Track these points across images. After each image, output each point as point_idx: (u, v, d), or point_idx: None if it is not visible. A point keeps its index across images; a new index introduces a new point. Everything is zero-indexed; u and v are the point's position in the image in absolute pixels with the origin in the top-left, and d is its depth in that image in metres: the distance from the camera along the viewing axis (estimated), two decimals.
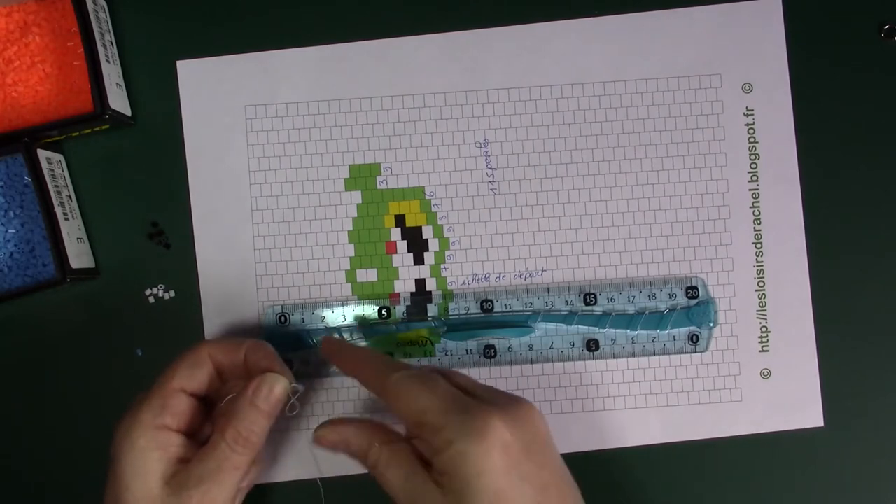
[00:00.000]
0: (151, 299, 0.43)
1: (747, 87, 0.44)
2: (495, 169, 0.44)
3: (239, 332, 0.43)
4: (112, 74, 0.42)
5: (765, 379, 0.43)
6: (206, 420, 0.39)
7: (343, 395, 0.43)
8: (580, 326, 0.43)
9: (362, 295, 0.43)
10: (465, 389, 0.36)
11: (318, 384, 0.43)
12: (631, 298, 0.43)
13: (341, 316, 0.43)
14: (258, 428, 0.36)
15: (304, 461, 0.43)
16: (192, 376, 0.37)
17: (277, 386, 0.37)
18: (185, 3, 0.44)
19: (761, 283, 0.43)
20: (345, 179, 0.44)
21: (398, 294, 0.43)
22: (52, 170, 0.42)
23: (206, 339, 0.40)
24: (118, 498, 0.35)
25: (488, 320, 0.43)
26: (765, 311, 0.43)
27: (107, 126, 0.42)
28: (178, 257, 0.44)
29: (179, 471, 0.35)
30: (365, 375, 0.38)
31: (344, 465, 0.43)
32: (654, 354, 0.43)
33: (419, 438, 0.35)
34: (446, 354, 0.43)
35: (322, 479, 0.42)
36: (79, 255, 0.42)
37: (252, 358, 0.38)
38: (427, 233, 0.44)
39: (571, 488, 0.35)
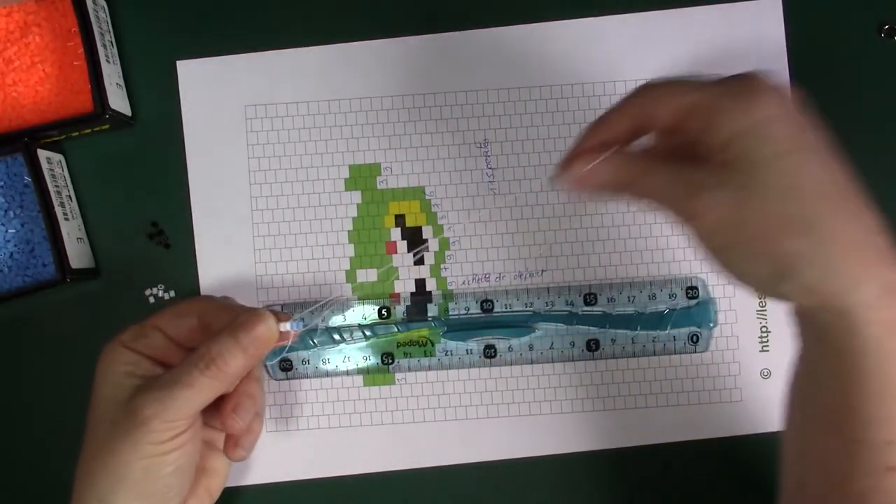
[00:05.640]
0: (151, 299, 0.43)
1: None
2: (495, 169, 0.44)
3: None
4: (112, 74, 0.42)
5: (765, 379, 0.43)
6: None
7: (343, 394, 0.43)
8: (580, 326, 0.43)
9: (362, 295, 0.43)
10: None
11: (317, 384, 0.43)
12: (631, 298, 0.43)
13: (341, 316, 0.43)
14: (231, 359, 0.35)
15: (303, 461, 0.43)
16: (174, 324, 0.38)
17: (262, 325, 0.35)
18: (185, 3, 0.44)
19: None
20: (345, 179, 0.44)
21: (398, 294, 0.43)
22: (52, 170, 0.42)
23: (204, 297, 0.41)
24: (91, 401, 0.36)
25: (488, 320, 0.43)
26: (765, 311, 0.43)
27: (107, 126, 0.42)
28: (178, 257, 0.44)
29: (147, 380, 0.36)
30: (624, 120, 0.32)
31: (346, 465, 0.43)
32: (655, 354, 0.43)
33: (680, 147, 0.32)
34: (446, 354, 0.43)
35: (321, 479, 0.42)
36: (79, 255, 0.42)
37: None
38: (427, 233, 0.44)
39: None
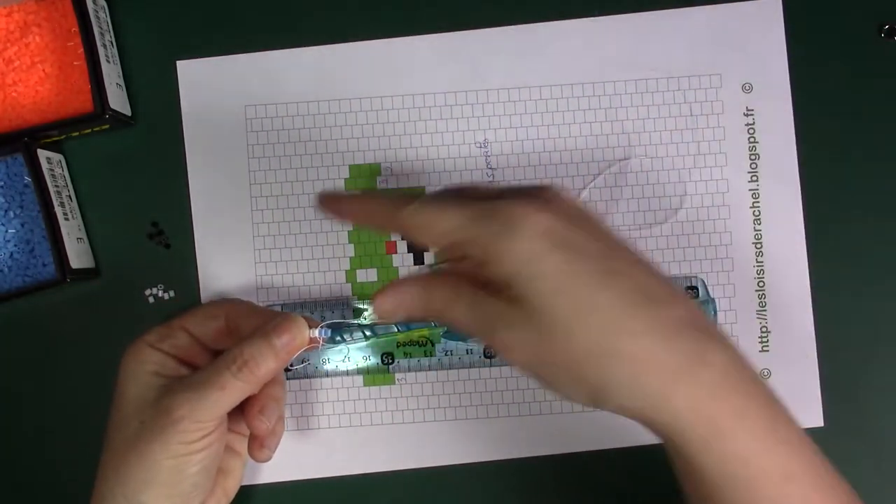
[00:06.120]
0: (151, 299, 0.43)
1: (747, 87, 0.44)
2: (495, 169, 0.44)
3: None
4: (112, 74, 0.42)
5: (765, 379, 0.43)
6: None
7: (343, 394, 0.43)
8: None
9: (362, 295, 0.43)
10: (484, 196, 0.32)
11: (316, 384, 0.43)
12: None
13: (341, 316, 0.43)
14: (263, 362, 0.35)
15: (302, 461, 0.43)
16: (201, 325, 0.38)
17: (295, 330, 0.36)
18: (185, 3, 0.44)
19: (761, 283, 0.43)
20: (345, 179, 0.44)
21: None
22: (52, 170, 0.42)
23: (232, 300, 0.41)
24: (116, 399, 0.37)
25: None
26: (765, 311, 0.43)
27: (107, 126, 0.42)
28: (178, 257, 0.44)
29: (175, 380, 0.36)
30: (376, 221, 0.34)
31: (346, 465, 0.43)
32: None
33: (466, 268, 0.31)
34: (446, 355, 0.43)
35: (321, 479, 0.42)
36: (79, 255, 0.42)
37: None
38: None
39: (629, 251, 0.31)
